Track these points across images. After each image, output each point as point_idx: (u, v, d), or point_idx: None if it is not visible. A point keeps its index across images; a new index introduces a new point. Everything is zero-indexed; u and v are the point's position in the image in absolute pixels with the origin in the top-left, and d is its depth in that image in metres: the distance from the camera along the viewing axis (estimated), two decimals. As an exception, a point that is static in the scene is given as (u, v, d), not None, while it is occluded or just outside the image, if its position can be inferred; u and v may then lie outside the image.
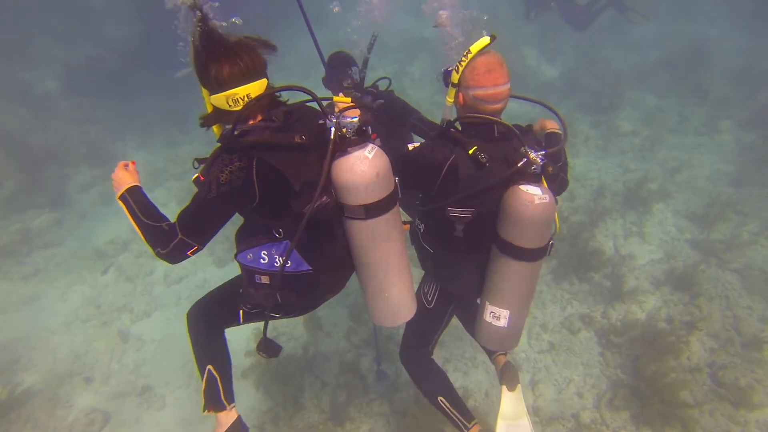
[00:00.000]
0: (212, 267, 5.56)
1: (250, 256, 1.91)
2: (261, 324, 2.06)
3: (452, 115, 2.11)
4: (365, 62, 3.07)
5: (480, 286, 2.21)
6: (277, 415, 3.87)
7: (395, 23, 11.18)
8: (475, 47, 1.88)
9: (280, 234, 1.85)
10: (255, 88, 1.70)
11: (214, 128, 1.85)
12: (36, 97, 8.40)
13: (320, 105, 1.77)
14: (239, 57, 1.66)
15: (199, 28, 1.66)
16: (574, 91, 8.08)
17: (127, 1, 9.67)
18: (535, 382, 3.99)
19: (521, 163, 1.84)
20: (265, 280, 1.92)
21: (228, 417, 2.21)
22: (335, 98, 1.97)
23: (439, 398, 2.49)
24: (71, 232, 6.18)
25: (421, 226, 2.29)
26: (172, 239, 1.72)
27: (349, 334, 4.39)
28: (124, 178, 1.88)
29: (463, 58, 1.89)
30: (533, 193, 1.81)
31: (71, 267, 5.64)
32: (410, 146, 2.12)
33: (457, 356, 4.17)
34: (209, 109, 1.79)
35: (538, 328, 4.39)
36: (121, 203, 1.85)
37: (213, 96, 1.69)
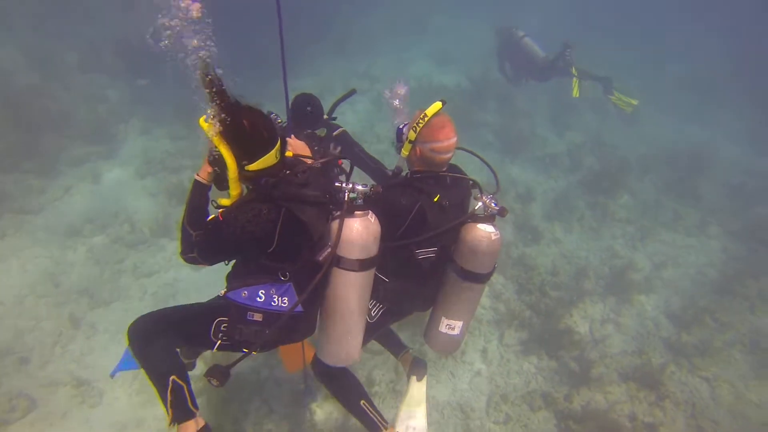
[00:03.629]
0: (186, 268, 5.38)
1: (245, 293, 2.04)
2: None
3: (404, 165, 2.50)
4: (333, 109, 3.38)
5: (429, 303, 2.64)
6: (213, 437, 3.66)
7: (415, 68, 11.50)
8: (430, 110, 2.24)
9: (285, 277, 2.03)
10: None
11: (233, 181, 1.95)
12: (53, 66, 8.39)
13: (343, 170, 2.18)
14: (266, 120, 1.90)
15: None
16: (578, 168, 8.22)
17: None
18: (485, 454, 3.83)
19: (477, 206, 2.30)
20: (257, 317, 2.05)
21: (198, 422, 2.10)
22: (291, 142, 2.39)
23: (362, 402, 2.71)
24: (51, 203, 6.02)
25: None
26: (190, 252, 1.99)
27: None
28: (204, 168, 2.04)
29: (420, 120, 2.24)
30: (489, 231, 2.26)
31: (41, 238, 5.46)
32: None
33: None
34: (233, 174, 1.89)
35: (498, 398, 4.26)
36: (191, 184, 2.07)
37: (264, 158, 1.87)
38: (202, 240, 1.95)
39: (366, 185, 2.07)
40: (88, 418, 3.82)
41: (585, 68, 7.31)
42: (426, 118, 2.22)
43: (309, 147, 2.66)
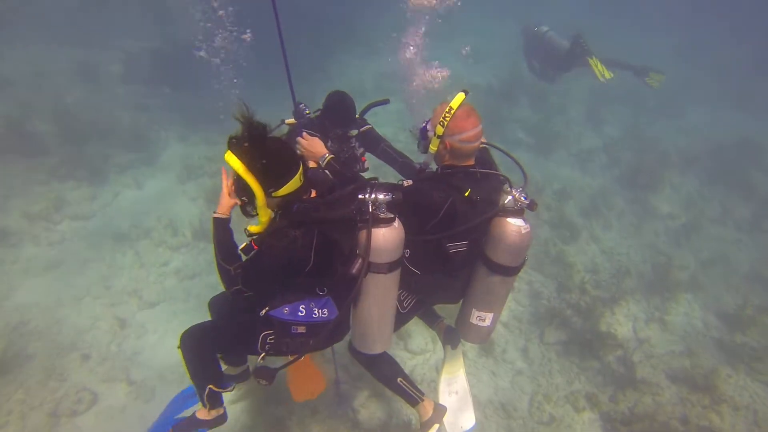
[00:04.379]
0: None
1: (286, 310, 2.19)
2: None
3: (432, 161, 2.52)
4: (365, 111, 3.45)
5: (460, 294, 2.69)
6: (260, 433, 3.77)
7: (445, 66, 11.40)
8: (455, 102, 2.26)
9: (324, 292, 2.21)
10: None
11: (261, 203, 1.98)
12: (99, 78, 8.82)
13: (370, 185, 2.15)
14: (287, 146, 1.99)
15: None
16: (615, 163, 8.00)
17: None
18: (530, 455, 3.79)
19: (507, 200, 2.29)
20: (301, 329, 2.22)
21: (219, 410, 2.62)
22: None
23: (399, 380, 2.88)
24: (101, 210, 6.33)
25: (407, 251, 2.52)
26: (234, 285, 2.06)
27: (349, 365, 4.29)
28: (224, 204, 2.13)
29: (446, 114, 2.25)
30: (519, 225, 2.28)
31: (94, 243, 5.75)
32: (404, 183, 2.40)
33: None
34: (261, 202, 1.95)
35: (541, 398, 4.20)
36: (212, 223, 2.15)
37: (291, 182, 1.93)
38: (244, 273, 2.05)
39: (388, 194, 2.13)
40: (143, 413, 4.00)
41: (620, 60, 7.08)
42: (452, 111, 2.25)
43: (323, 141, 2.75)
